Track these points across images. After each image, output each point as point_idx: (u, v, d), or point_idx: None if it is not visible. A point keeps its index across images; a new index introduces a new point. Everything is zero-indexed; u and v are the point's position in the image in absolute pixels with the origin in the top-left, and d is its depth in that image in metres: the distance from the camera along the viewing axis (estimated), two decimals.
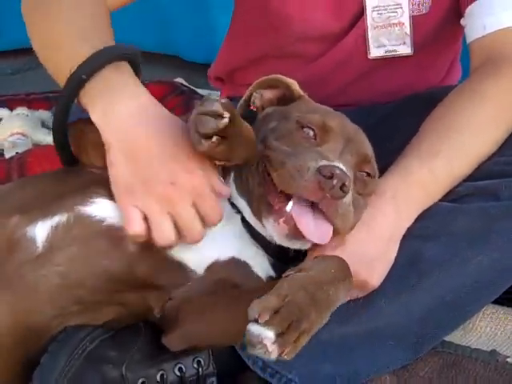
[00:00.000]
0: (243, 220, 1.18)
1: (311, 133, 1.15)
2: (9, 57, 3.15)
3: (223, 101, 0.99)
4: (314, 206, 1.05)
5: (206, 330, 1.12)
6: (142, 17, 2.91)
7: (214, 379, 1.18)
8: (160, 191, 1.05)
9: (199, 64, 3.01)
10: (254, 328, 0.89)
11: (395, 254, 1.21)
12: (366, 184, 1.17)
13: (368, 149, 1.20)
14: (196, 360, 1.16)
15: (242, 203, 1.17)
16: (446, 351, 1.35)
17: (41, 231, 1.09)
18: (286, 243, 1.08)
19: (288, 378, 1.22)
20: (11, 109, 2.10)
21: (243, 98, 1.33)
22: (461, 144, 1.26)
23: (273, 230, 1.07)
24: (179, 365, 1.15)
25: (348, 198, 1.06)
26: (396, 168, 1.25)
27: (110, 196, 1.11)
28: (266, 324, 0.89)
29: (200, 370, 1.16)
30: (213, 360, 1.18)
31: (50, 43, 1.22)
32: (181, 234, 1.07)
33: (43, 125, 2.08)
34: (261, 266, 1.18)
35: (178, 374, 1.15)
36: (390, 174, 1.24)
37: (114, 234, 1.10)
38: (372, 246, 1.18)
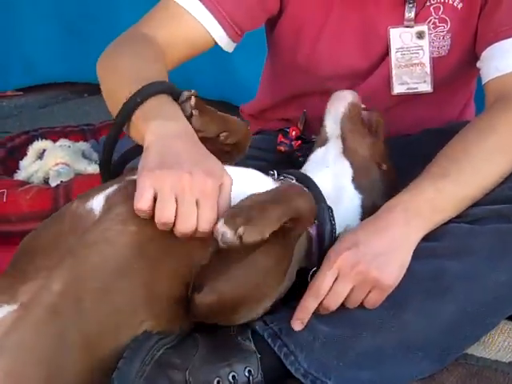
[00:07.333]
0: None
1: None
2: (37, 91, 3.19)
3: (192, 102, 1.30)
4: None
5: (230, 279, 1.22)
6: None
7: None
8: (177, 175, 1.16)
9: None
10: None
11: (408, 260, 1.33)
12: None
13: None
14: (247, 369, 1.29)
15: None
16: (468, 363, 1.45)
17: (97, 202, 1.25)
18: None
19: None
20: (53, 140, 2.24)
21: None
22: (469, 166, 1.40)
23: None
24: (232, 373, 1.27)
25: None
26: (408, 187, 1.39)
27: None
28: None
29: (250, 378, 1.28)
30: (261, 370, 1.30)
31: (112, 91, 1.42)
32: (175, 220, 1.16)
33: (83, 155, 2.22)
34: None
35: (232, 381, 1.27)
36: (402, 192, 1.39)
37: None
38: (383, 248, 1.31)
